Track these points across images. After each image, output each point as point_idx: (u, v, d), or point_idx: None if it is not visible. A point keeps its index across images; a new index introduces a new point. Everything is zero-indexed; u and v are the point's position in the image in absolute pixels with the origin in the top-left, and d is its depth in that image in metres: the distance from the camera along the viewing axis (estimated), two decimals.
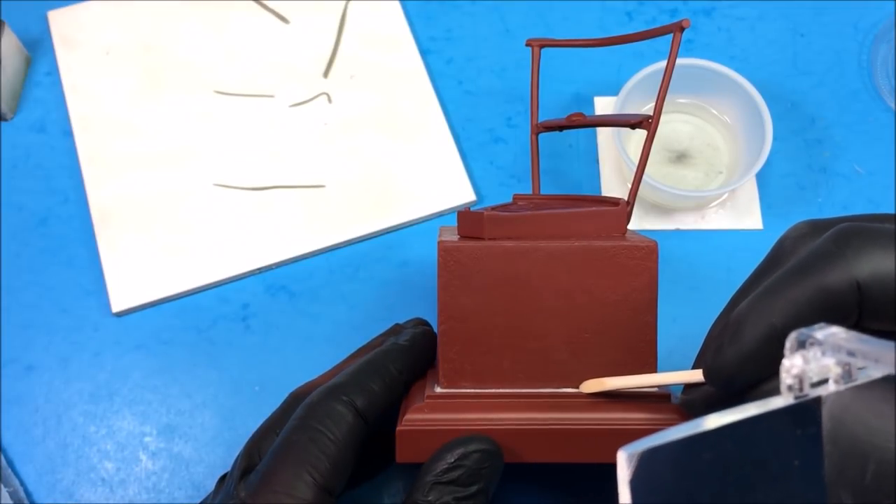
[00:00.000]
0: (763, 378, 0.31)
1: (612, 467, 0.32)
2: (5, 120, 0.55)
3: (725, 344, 0.31)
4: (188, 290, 0.50)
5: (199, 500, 0.39)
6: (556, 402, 0.36)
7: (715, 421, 0.23)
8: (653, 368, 0.37)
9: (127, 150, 0.53)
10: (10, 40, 0.54)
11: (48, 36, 0.57)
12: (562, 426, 0.35)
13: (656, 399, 0.36)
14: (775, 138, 0.50)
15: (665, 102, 0.39)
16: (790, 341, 0.24)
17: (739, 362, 0.30)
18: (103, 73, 0.56)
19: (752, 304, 0.31)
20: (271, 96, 0.55)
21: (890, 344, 0.22)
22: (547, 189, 0.49)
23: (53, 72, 0.56)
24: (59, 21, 0.57)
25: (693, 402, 0.36)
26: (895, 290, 0.28)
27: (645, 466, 0.22)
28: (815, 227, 0.33)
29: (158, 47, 0.57)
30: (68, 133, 0.54)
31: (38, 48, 0.57)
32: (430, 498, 0.34)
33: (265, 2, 0.58)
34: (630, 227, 0.40)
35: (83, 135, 0.54)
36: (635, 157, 0.41)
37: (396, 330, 0.42)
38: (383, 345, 0.40)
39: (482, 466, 0.34)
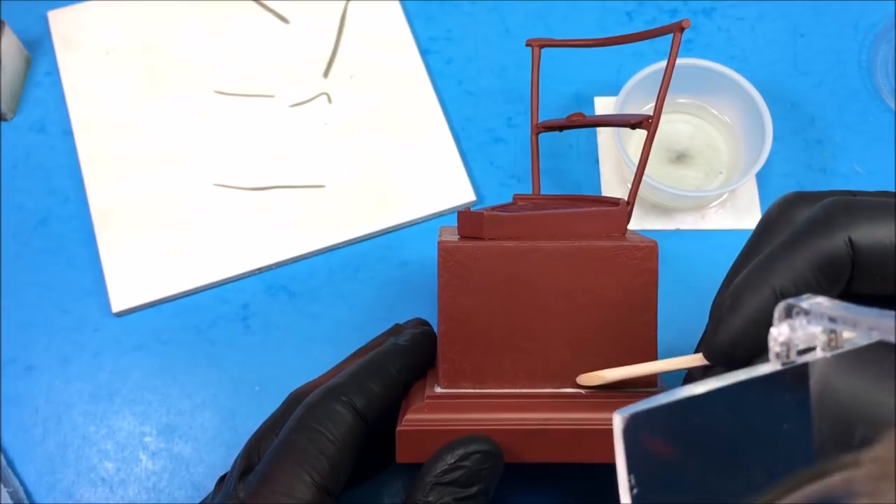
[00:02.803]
0: (765, 347, 0.31)
1: (612, 467, 0.32)
2: (5, 120, 0.55)
3: (725, 314, 0.32)
4: (188, 290, 0.50)
5: (198, 501, 0.39)
6: (556, 402, 0.36)
7: (704, 386, 0.24)
8: None
9: (127, 150, 0.53)
10: (10, 40, 0.54)
11: (48, 36, 0.57)
12: (562, 426, 0.35)
13: None
14: (775, 138, 0.50)
15: (665, 102, 0.39)
16: (778, 311, 0.26)
17: (741, 330, 0.31)
18: (103, 73, 0.56)
19: (750, 273, 0.32)
20: (271, 96, 0.55)
21: (867, 310, 0.23)
22: (547, 189, 0.49)
23: (53, 72, 0.56)
24: (59, 21, 0.57)
25: None
26: (886, 251, 0.31)
27: (638, 429, 0.23)
28: (802, 197, 0.35)
29: (158, 47, 0.57)
30: (68, 133, 0.54)
31: (38, 48, 0.57)
32: (430, 498, 0.34)
33: (265, 2, 0.58)
34: (630, 227, 0.40)
35: (83, 135, 0.54)
36: (635, 157, 0.41)
37: (396, 330, 0.42)
38: (383, 345, 0.40)
39: (482, 467, 0.34)
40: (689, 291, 0.50)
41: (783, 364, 0.25)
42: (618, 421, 0.23)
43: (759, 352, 0.31)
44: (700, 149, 0.53)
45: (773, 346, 0.25)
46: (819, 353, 0.25)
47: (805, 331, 0.25)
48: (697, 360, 0.34)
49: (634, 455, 0.23)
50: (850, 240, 0.31)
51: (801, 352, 0.25)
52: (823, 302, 0.25)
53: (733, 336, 0.31)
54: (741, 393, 0.24)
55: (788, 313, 0.25)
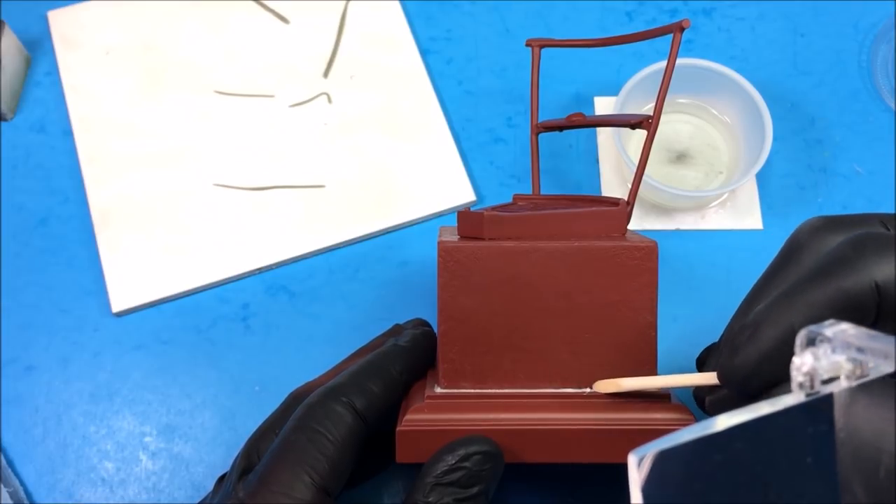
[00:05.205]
0: (779, 380, 0.31)
1: (612, 467, 0.32)
2: (5, 120, 0.55)
3: (743, 344, 0.31)
4: (188, 290, 0.50)
5: (198, 500, 0.39)
6: (556, 402, 0.36)
7: (725, 421, 0.23)
8: (653, 368, 0.37)
9: (127, 150, 0.53)
10: (10, 40, 0.54)
11: (48, 36, 0.57)
12: (562, 426, 0.35)
13: (656, 399, 0.36)
14: (775, 138, 0.50)
15: (665, 102, 0.39)
16: (800, 338, 0.24)
17: (756, 362, 0.31)
18: (103, 73, 0.56)
19: (771, 306, 0.31)
20: (271, 96, 0.55)
21: None
22: (547, 189, 0.49)
23: (53, 72, 0.56)
24: (59, 21, 0.57)
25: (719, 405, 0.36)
26: None
27: (655, 469, 0.22)
28: (830, 222, 0.34)
29: (158, 47, 0.56)
30: (68, 133, 0.54)
31: (38, 48, 0.57)
32: (430, 499, 0.34)
33: (265, 2, 0.58)
34: (630, 227, 0.40)
35: (83, 135, 0.54)
36: (635, 157, 0.41)
37: (397, 330, 0.42)
38: (383, 345, 0.40)
39: (483, 468, 0.34)
40: (689, 291, 0.50)
41: (807, 395, 0.23)
42: (633, 461, 0.22)
43: (772, 385, 0.31)
44: (700, 149, 0.53)
45: (797, 376, 0.24)
46: (844, 383, 0.24)
47: (829, 360, 0.24)
48: (712, 378, 0.34)
49: (651, 495, 0.22)
50: (875, 285, 0.29)
51: (825, 381, 0.24)
52: (848, 329, 0.24)
53: (749, 368, 0.31)
54: (763, 427, 0.23)
55: (811, 342, 0.24)
